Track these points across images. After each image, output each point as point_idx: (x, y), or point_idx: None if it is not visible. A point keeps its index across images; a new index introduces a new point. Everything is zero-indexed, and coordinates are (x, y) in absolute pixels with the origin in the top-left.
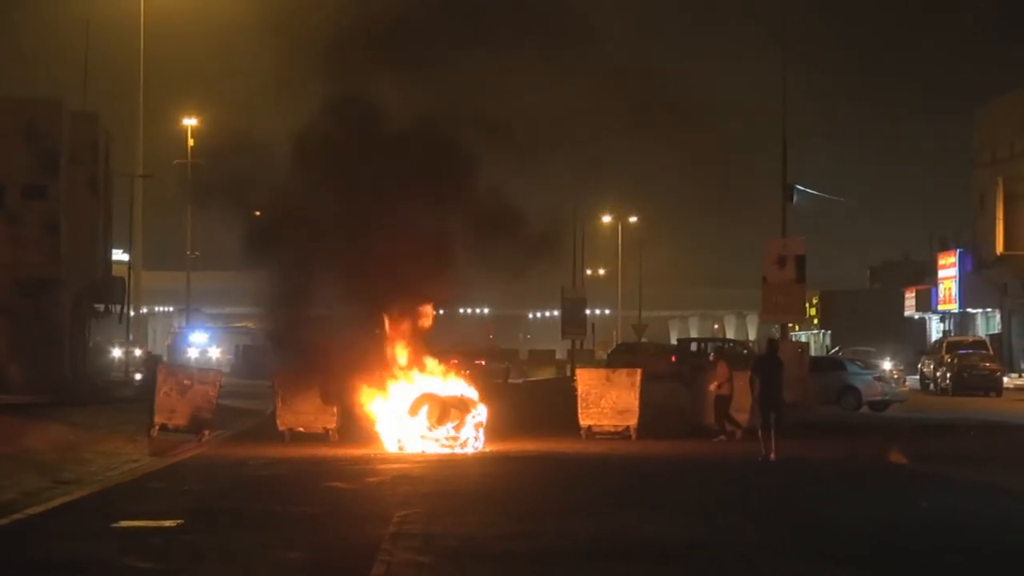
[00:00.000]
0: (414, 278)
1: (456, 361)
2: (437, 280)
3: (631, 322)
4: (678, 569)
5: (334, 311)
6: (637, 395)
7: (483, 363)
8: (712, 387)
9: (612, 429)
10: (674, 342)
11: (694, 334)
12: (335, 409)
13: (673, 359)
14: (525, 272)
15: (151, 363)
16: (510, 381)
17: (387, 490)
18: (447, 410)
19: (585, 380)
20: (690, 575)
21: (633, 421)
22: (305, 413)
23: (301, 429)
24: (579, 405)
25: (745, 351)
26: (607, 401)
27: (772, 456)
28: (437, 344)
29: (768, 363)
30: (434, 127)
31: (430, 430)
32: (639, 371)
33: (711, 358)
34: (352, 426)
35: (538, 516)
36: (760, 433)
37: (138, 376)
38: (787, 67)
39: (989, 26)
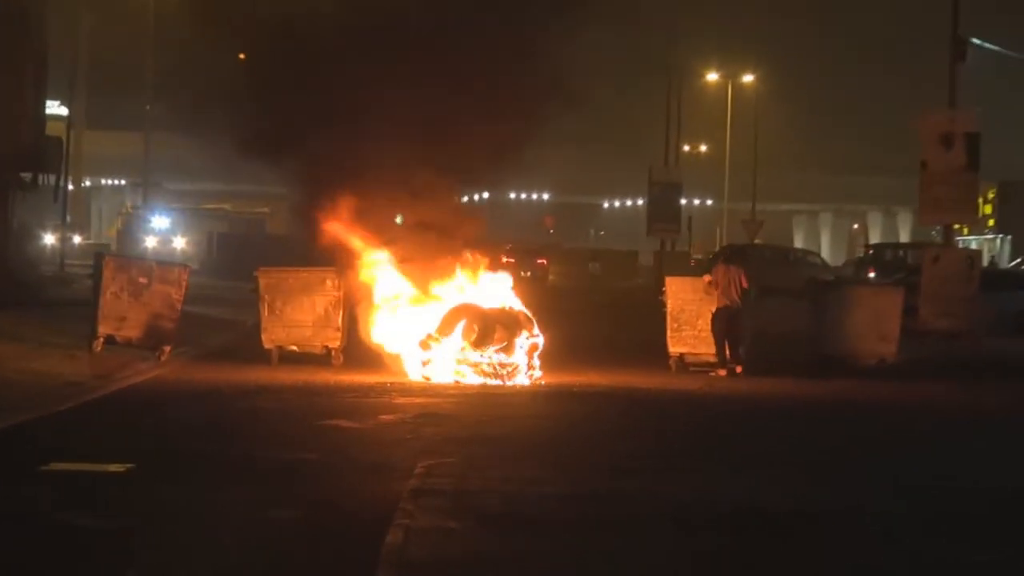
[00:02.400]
0: (456, 145)
1: (511, 260)
2: (482, 150)
3: (741, 217)
4: (798, 544)
5: (352, 189)
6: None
7: (544, 262)
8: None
9: (711, 359)
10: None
11: (825, 235)
12: (340, 321)
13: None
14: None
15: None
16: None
17: (407, 432)
18: (491, 327)
19: (677, 293)
20: (814, 551)
21: (738, 348)
22: (300, 326)
23: (294, 348)
24: (668, 326)
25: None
26: (707, 320)
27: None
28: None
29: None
30: None
31: (466, 353)
32: (737, 269)
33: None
34: (362, 345)
35: (606, 471)
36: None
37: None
38: None
39: None
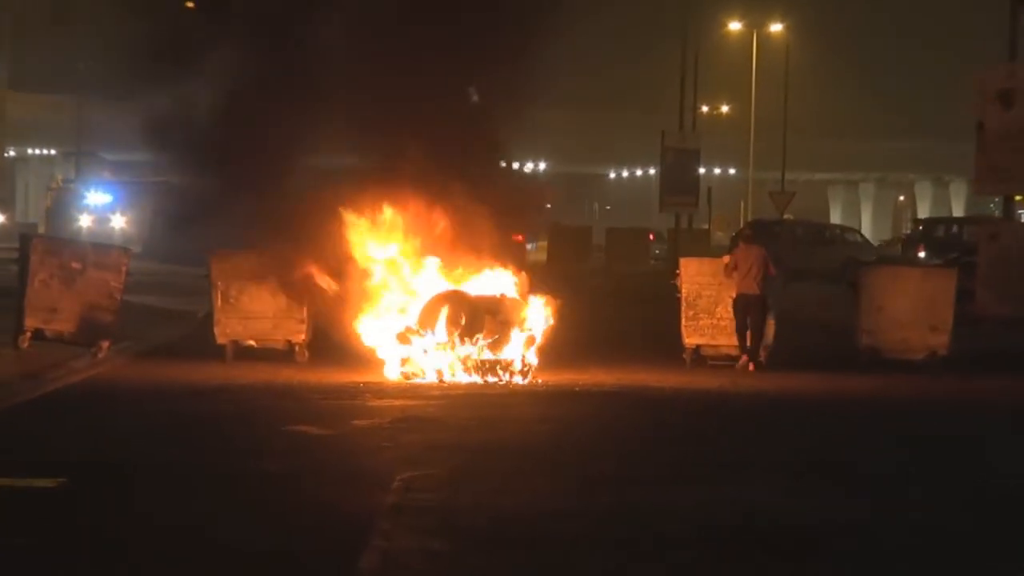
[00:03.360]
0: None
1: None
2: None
3: (768, 188)
4: (831, 568)
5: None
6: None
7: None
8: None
9: (732, 352)
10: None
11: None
12: (306, 312)
13: None
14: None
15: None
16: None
17: (384, 439)
18: (479, 316)
19: (692, 276)
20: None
21: (764, 340)
22: (259, 318)
23: (252, 342)
24: (683, 314)
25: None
26: (727, 307)
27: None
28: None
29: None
30: None
31: (451, 347)
32: (760, 251)
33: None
34: (331, 340)
35: (613, 483)
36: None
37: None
38: None
39: None
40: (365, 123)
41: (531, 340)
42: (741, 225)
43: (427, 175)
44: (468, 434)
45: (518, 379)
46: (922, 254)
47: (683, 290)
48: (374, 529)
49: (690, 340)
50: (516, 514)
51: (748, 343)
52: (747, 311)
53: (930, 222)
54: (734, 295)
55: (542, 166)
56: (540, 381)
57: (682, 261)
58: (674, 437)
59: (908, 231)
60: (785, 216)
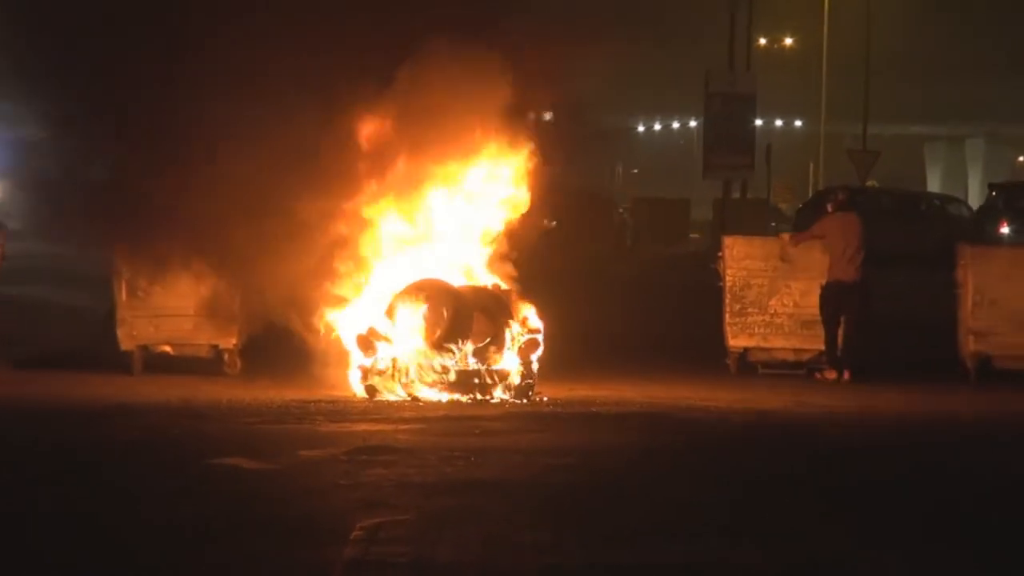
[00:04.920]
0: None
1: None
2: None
3: (846, 145)
4: None
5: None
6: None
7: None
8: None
9: (792, 358)
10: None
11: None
12: (238, 306)
13: None
14: None
15: None
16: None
17: (340, 475)
18: (465, 314)
19: (739, 259)
20: None
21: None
22: (176, 316)
23: (167, 349)
24: (726, 308)
25: None
26: (785, 299)
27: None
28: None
29: None
30: None
31: (430, 353)
32: (859, 223)
33: None
34: (272, 344)
35: (634, 535)
36: None
37: None
38: None
39: None
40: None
41: (532, 347)
42: (810, 195)
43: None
44: (448, 469)
45: (516, 397)
46: (1006, 229)
47: (727, 277)
48: None
49: (736, 342)
50: (510, 573)
51: (838, 348)
52: (842, 304)
53: (1010, 188)
54: (824, 282)
55: (545, 117)
56: (545, 399)
57: (726, 240)
58: (716, 475)
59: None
60: (868, 183)
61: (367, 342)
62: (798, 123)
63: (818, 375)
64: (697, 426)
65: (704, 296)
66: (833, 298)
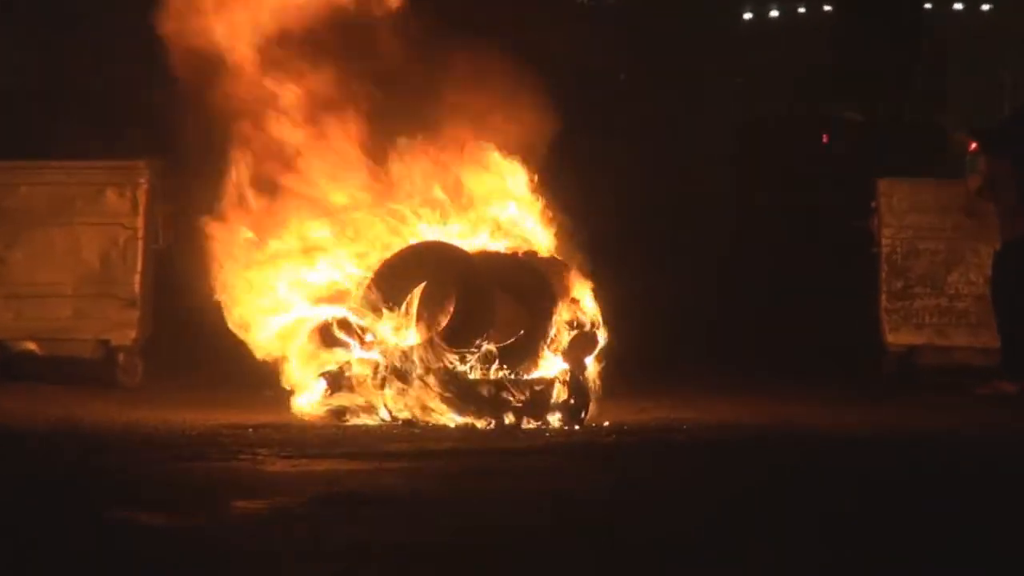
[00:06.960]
0: None
1: None
2: None
3: None
4: None
5: None
6: None
7: None
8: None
9: (981, 361)
10: None
11: None
12: (141, 284)
13: None
14: None
15: None
16: None
17: (295, 538)
18: (485, 297)
19: (902, 213)
20: None
21: None
22: (45, 296)
23: (31, 346)
24: (883, 286)
25: None
26: (971, 273)
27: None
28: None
29: None
30: None
31: (430, 354)
32: None
33: None
34: (195, 340)
35: None
36: None
37: None
38: None
39: None
40: None
41: (589, 341)
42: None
43: None
44: (457, 526)
45: (562, 421)
46: None
47: (883, 241)
48: None
49: (895, 337)
50: None
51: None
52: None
53: None
54: (997, 246)
55: None
56: (606, 424)
57: (881, 184)
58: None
59: None
60: None
61: (334, 338)
62: (985, 7)
63: (981, 389)
64: (835, 457)
65: (843, 267)
66: (1008, 271)
